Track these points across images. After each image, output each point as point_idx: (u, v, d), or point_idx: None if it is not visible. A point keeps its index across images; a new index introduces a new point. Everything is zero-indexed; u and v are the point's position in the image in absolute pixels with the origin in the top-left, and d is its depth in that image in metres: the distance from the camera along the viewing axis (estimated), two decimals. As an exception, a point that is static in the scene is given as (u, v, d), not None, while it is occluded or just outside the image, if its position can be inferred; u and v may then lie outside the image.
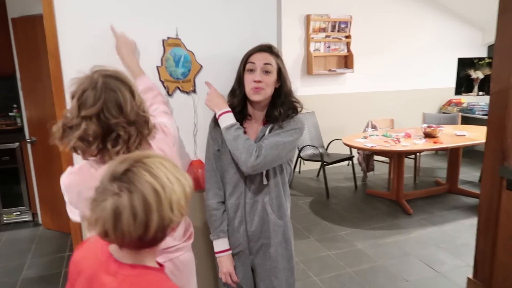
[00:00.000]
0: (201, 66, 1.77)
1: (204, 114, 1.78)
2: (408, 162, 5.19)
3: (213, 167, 1.65)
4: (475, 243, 2.67)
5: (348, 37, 5.65)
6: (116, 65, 1.39)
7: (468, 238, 3.51)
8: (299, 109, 1.64)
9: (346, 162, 5.21)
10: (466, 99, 6.30)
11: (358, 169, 5.35)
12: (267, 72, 1.54)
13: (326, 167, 4.80)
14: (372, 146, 4.11)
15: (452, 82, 6.10)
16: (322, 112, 5.52)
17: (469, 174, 5.45)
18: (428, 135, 4.37)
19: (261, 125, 1.64)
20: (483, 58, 5.88)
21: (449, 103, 6.44)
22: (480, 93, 5.94)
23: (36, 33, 3.42)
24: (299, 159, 5.03)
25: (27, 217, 4.12)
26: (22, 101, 3.90)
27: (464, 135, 4.42)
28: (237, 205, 1.64)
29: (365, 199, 4.68)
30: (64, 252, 3.48)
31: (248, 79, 1.55)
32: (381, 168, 5.58)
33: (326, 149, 5.25)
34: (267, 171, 1.61)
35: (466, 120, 5.86)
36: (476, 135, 4.38)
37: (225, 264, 1.66)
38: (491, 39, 5.96)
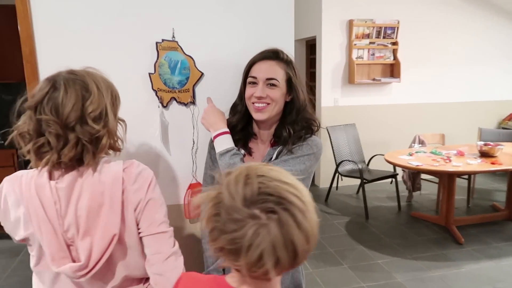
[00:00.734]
0: (202, 74, 1.51)
1: (205, 129, 1.51)
2: (461, 182, 4.66)
3: None
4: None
5: (395, 43, 5.24)
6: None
7: (532, 279, 2.98)
8: (314, 128, 1.34)
9: (389, 180, 4.77)
10: (531, 113, 5.63)
11: (402, 187, 4.87)
12: (272, 85, 1.27)
13: (366, 184, 4.39)
14: (417, 165, 3.67)
15: (513, 94, 5.48)
16: (363, 124, 5.16)
17: (533, 198, 4.79)
18: (484, 154, 3.84)
19: (269, 146, 1.36)
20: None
21: (509, 117, 5.77)
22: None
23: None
24: (337, 174, 4.65)
25: None
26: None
27: (529, 155, 3.85)
28: None
29: (409, 222, 4.21)
30: None
31: (249, 93, 1.29)
32: (429, 187, 5.06)
33: (367, 165, 4.83)
34: None
35: (531, 137, 5.19)
36: (544, 155, 3.79)
37: None
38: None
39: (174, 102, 1.52)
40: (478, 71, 5.66)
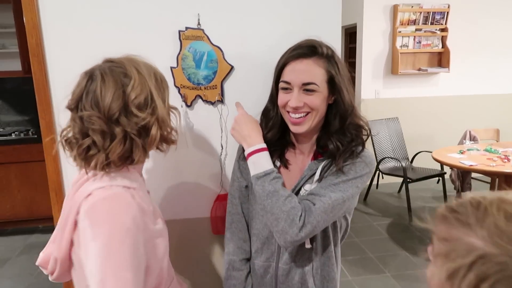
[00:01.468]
0: (232, 67, 1.29)
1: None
2: (517, 183, 4.22)
3: (238, 210, 1.18)
4: None
5: (444, 30, 4.81)
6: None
7: None
8: (364, 136, 1.08)
9: (434, 178, 4.40)
10: None
11: (450, 186, 4.48)
12: (310, 91, 1.03)
13: (410, 184, 4.05)
14: (471, 165, 3.31)
15: None
16: (407, 118, 4.81)
17: None
18: (549, 153, 3.42)
19: (310, 157, 1.13)
20: None
21: None
22: None
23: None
24: (378, 172, 4.34)
25: None
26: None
27: None
28: (266, 269, 1.15)
29: (458, 226, 3.85)
30: None
31: (282, 100, 1.06)
32: (480, 187, 4.64)
33: (411, 162, 4.48)
34: None
35: None
36: None
37: None
38: None
39: (200, 100, 1.31)
40: (539, 60, 5.13)
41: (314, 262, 1.13)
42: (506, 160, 3.37)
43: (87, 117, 0.86)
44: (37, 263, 0.99)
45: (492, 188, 4.09)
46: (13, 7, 3.59)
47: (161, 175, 1.34)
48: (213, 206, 1.36)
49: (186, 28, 1.25)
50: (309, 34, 1.20)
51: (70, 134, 0.89)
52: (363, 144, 1.08)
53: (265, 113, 1.14)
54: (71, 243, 0.89)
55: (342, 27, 5.34)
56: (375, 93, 4.88)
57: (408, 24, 4.75)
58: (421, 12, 4.73)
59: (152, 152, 1.22)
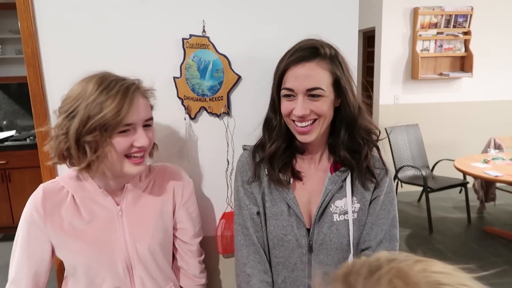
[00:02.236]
0: (239, 77, 1.21)
1: (241, 145, 1.21)
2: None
3: (253, 240, 1.08)
4: None
5: (467, 33, 4.64)
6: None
7: None
8: (375, 137, 1.05)
9: (457, 188, 4.23)
10: None
11: (473, 196, 4.29)
12: (315, 96, 0.95)
13: (430, 193, 3.89)
14: (496, 176, 3.14)
15: None
16: (428, 124, 4.65)
17: None
18: None
19: (324, 166, 1.07)
20: None
21: None
22: None
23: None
24: (396, 180, 4.19)
25: None
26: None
27: None
28: None
29: (481, 238, 3.67)
30: None
31: (287, 108, 0.98)
32: (505, 197, 4.44)
33: (432, 171, 4.31)
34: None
35: None
36: None
37: None
38: None
39: (204, 112, 1.23)
40: None
41: None
42: (534, 171, 3.19)
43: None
44: None
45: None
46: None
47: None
48: (219, 224, 1.28)
49: (190, 35, 1.17)
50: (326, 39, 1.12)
51: None
52: (377, 147, 1.04)
53: (267, 124, 1.05)
54: None
55: (360, 30, 5.21)
56: (394, 98, 4.74)
57: (429, 28, 4.59)
58: (442, 15, 4.57)
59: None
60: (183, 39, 1.17)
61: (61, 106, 0.91)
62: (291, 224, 1.03)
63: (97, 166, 0.92)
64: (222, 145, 1.25)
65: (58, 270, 1.22)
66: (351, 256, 1.04)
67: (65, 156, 0.92)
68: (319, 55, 0.96)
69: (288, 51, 0.99)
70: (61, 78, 1.15)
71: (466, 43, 4.68)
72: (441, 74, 4.72)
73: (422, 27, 4.58)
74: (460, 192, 4.46)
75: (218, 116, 1.23)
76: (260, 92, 1.21)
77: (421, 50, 4.64)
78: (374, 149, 1.05)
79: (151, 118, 0.97)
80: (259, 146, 1.07)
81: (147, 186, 1.06)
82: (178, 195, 1.10)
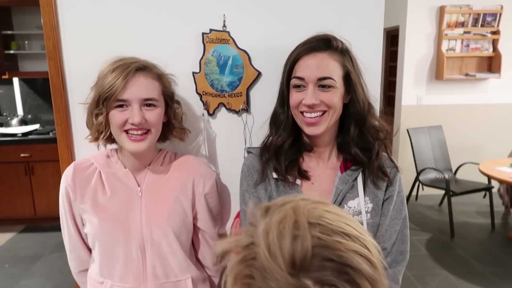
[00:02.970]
0: (259, 73, 1.19)
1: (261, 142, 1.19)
2: None
3: None
4: None
5: (495, 33, 4.49)
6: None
7: None
8: (382, 136, 1.03)
9: (481, 192, 4.10)
10: None
11: (497, 201, 4.15)
12: (326, 86, 0.94)
13: (453, 197, 3.78)
14: (523, 181, 3.03)
15: None
16: (452, 126, 4.53)
17: None
18: None
19: (333, 165, 1.05)
20: None
21: None
22: None
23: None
24: (417, 183, 4.09)
25: None
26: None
27: None
28: None
29: (505, 245, 3.55)
30: None
31: (296, 99, 0.96)
32: (532, 203, 4.28)
33: (455, 174, 4.19)
34: None
35: None
36: None
37: None
38: None
39: (223, 108, 1.21)
40: None
41: None
42: None
43: None
44: None
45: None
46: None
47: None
48: (233, 222, 1.26)
49: (211, 30, 1.15)
50: (347, 38, 1.09)
51: None
52: (385, 146, 1.03)
53: (274, 119, 1.04)
54: None
55: (384, 29, 5.11)
56: (417, 99, 4.63)
57: (455, 27, 4.46)
58: (470, 14, 4.43)
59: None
60: (203, 33, 1.16)
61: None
62: None
63: (107, 139, 1.02)
64: (240, 142, 1.23)
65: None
66: None
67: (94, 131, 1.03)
68: (331, 47, 0.96)
69: (300, 43, 0.98)
70: (81, 72, 1.17)
71: (494, 43, 4.54)
72: (467, 74, 4.59)
73: (449, 26, 4.46)
74: (484, 197, 4.33)
75: (237, 112, 1.21)
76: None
77: (447, 50, 4.52)
78: (382, 147, 1.04)
79: (153, 99, 0.99)
80: (266, 145, 1.05)
81: (167, 172, 1.09)
82: (199, 185, 1.10)
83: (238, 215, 1.26)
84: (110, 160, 1.07)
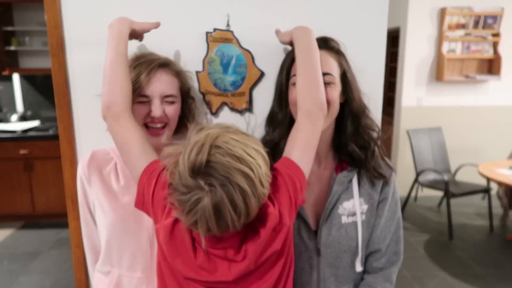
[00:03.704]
0: (262, 73, 1.18)
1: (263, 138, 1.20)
2: None
3: None
4: None
5: (496, 35, 4.50)
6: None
7: None
8: (376, 136, 1.05)
9: (480, 194, 4.11)
10: None
11: (496, 203, 4.16)
12: (326, 83, 0.96)
13: (452, 198, 3.79)
14: (523, 183, 3.04)
15: None
16: (452, 128, 4.53)
17: None
18: None
19: (329, 166, 1.06)
20: None
21: None
22: None
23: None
24: (416, 184, 4.10)
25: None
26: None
27: None
28: None
29: (503, 247, 3.56)
30: None
31: (296, 97, 0.97)
32: (531, 206, 4.29)
33: (454, 176, 4.20)
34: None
35: None
36: None
37: None
38: None
39: (226, 108, 1.21)
40: None
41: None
42: None
43: None
44: None
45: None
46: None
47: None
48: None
49: (214, 29, 1.15)
50: (351, 39, 1.09)
51: None
52: (378, 146, 1.04)
53: (272, 118, 1.06)
54: None
55: (385, 30, 5.12)
56: (417, 100, 4.64)
57: (456, 28, 4.47)
58: (471, 16, 4.44)
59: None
60: (206, 32, 1.15)
61: None
62: (297, 227, 1.01)
63: None
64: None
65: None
66: (358, 258, 1.02)
67: None
68: (328, 47, 1.00)
69: None
70: (85, 69, 1.16)
71: (495, 45, 4.54)
72: (467, 76, 4.59)
73: (450, 27, 4.46)
74: (483, 198, 4.34)
75: (239, 112, 1.21)
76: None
77: (448, 52, 4.53)
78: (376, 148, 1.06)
79: (172, 95, 1.02)
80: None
81: None
82: None
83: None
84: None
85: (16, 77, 4.27)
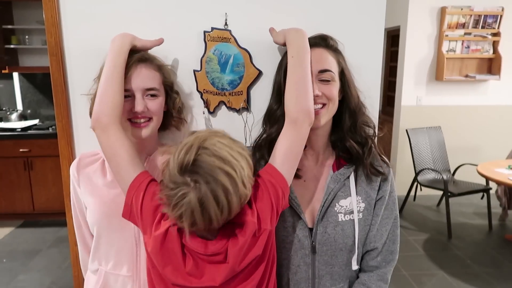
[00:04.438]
0: (260, 72, 1.19)
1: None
2: None
3: None
4: None
5: (496, 34, 4.50)
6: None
7: None
8: (370, 132, 1.07)
9: (479, 193, 4.11)
10: None
11: (495, 202, 4.17)
12: (326, 80, 0.98)
13: (451, 198, 3.79)
14: (521, 183, 3.04)
15: None
16: (451, 127, 4.54)
17: None
18: None
19: (326, 163, 1.07)
20: None
21: None
22: None
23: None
24: (416, 183, 4.10)
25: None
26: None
27: None
28: None
29: (502, 246, 3.57)
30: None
31: None
32: (529, 205, 4.29)
33: (453, 175, 4.20)
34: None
35: None
36: None
37: None
38: None
39: (223, 107, 1.21)
40: None
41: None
42: (562, 179, 3.08)
43: None
44: None
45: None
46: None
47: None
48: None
49: (212, 28, 1.16)
50: (348, 38, 1.10)
51: None
52: (373, 143, 1.05)
53: (269, 115, 1.06)
54: None
55: (385, 29, 5.11)
56: (417, 99, 4.64)
57: (456, 28, 4.47)
58: (471, 15, 4.43)
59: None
60: (204, 32, 1.16)
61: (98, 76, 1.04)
62: (293, 224, 1.01)
63: None
64: (239, 140, 1.22)
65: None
66: (355, 256, 1.02)
67: None
68: (327, 45, 1.01)
69: None
70: (83, 68, 1.17)
71: (494, 44, 4.54)
72: (467, 76, 4.59)
73: (449, 27, 4.46)
74: (482, 198, 4.34)
75: (237, 111, 1.21)
76: (280, 88, 1.19)
77: (447, 51, 4.53)
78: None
79: (154, 89, 1.02)
80: (258, 144, 1.07)
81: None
82: None
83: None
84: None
85: (15, 75, 4.28)
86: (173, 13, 1.15)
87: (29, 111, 4.32)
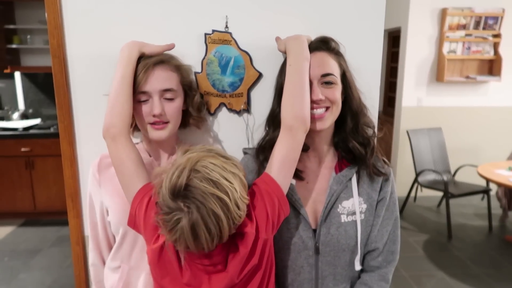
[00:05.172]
0: (260, 74, 1.20)
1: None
2: None
3: None
4: None
5: (497, 36, 4.50)
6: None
7: None
8: (373, 134, 1.08)
9: (479, 195, 4.12)
10: None
11: (495, 203, 4.17)
12: (329, 83, 0.98)
13: (451, 199, 3.80)
14: (521, 184, 3.04)
15: None
16: (451, 128, 4.55)
17: None
18: None
19: (329, 164, 1.07)
20: None
21: None
22: None
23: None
24: (416, 184, 4.11)
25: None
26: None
27: None
28: None
29: (502, 247, 3.57)
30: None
31: None
32: (530, 207, 4.29)
33: (453, 176, 4.21)
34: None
35: None
36: None
37: None
38: None
39: (224, 108, 1.22)
40: None
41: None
42: (562, 181, 3.08)
43: None
44: None
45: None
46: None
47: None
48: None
49: (213, 31, 1.17)
50: (348, 39, 1.10)
51: None
52: (374, 143, 1.06)
53: (272, 119, 1.06)
54: None
55: (385, 30, 5.12)
56: (418, 100, 4.64)
57: (457, 29, 4.47)
58: (472, 17, 4.44)
59: (168, 161, 1.17)
60: (205, 34, 1.17)
61: None
62: (296, 226, 1.02)
63: (134, 128, 1.09)
64: (241, 142, 1.24)
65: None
66: (358, 257, 1.03)
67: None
68: (328, 48, 1.01)
69: None
70: (85, 70, 1.18)
71: (495, 46, 4.55)
72: (467, 77, 4.60)
73: (450, 28, 4.47)
74: (482, 199, 4.34)
75: (237, 112, 1.22)
76: (280, 90, 1.20)
77: (448, 52, 4.53)
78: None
79: (171, 89, 1.03)
80: (262, 146, 1.07)
81: None
82: None
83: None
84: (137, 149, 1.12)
85: (17, 75, 4.29)
86: (174, 16, 1.16)
87: (30, 110, 4.34)
